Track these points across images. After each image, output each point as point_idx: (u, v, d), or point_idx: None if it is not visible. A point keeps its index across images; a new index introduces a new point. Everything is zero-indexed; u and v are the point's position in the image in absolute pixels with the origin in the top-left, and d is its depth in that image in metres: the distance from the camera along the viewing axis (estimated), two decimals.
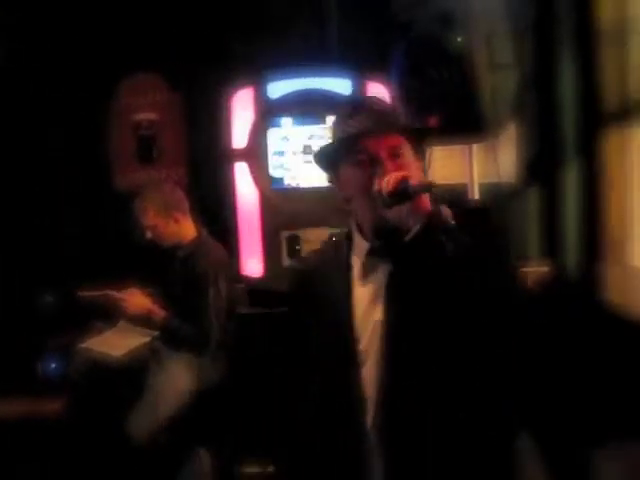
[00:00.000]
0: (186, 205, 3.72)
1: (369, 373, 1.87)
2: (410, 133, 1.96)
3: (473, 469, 1.84)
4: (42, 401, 3.78)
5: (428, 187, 1.79)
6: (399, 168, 1.87)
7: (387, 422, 1.85)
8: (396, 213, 1.81)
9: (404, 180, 1.80)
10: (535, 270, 4.27)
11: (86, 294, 3.71)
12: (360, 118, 1.94)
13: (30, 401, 3.75)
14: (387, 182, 1.82)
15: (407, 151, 1.92)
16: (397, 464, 1.85)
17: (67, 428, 3.67)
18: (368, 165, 1.90)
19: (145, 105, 4.51)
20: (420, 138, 2.00)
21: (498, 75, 3.27)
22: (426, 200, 1.80)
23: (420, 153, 1.98)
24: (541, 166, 4.40)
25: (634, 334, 3.64)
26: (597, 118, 4.21)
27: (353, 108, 2.01)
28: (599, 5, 3.87)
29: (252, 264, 3.99)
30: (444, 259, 1.78)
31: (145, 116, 4.51)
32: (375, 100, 2.12)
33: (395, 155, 1.90)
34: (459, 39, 3.15)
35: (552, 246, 4.46)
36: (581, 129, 4.33)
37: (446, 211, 1.89)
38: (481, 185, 3.70)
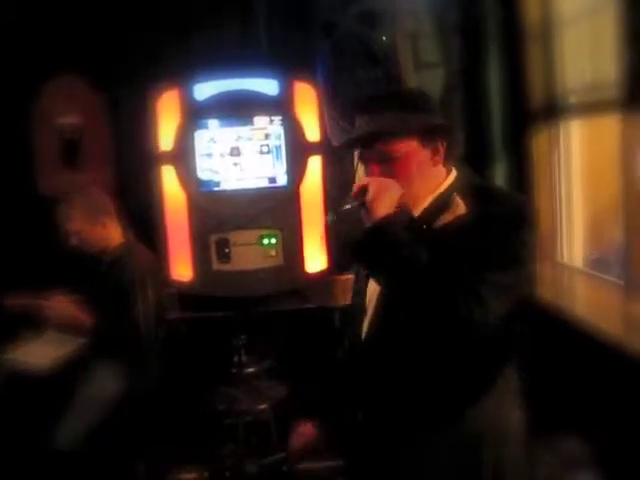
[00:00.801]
0: (112, 209, 3.66)
1: (368, 320, 2.24)
2: (425, 134, 2.10)
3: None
4: None
5: (362, 204, 2.04)
6: (386, 173, 2.08)
7: (370, 357, 2.22)
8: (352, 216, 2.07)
9: (363, 188, 2.05)
10: None
11: (11, 303, 3.62)
12: (363, 120, 2.15)
13: None
14: (354, 187, 2.09)
15: (412, 154, 2.10)
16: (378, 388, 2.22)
17: None
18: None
19: (69, 108, 4.42)
20: (441, 137, 2.12)
21: (424, 74, 3.28)
22: (378, 208, 2.02)
23: (439, 153, 2.12)
24: (469, 164, 4.44)
25: (563, 329, 3.69)
26: (524, 116, 4.26)
27: (363, 106, 2.18)
28: (525, 3, 3.92)
29: (181, 268, 3.93)
30: (398, 257, 1.97)
31: (69, 119, 4.42)
32: (399, 95, 2.24)
33: (392, 159, 2.08)
34: (384, 38, 3.15)
35: None
36: (508, 128, 4.38)
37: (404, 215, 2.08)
38: None
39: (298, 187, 3.89)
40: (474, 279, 1.94)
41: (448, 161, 2.15)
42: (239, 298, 3.90)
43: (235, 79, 3.94)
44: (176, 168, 3.90)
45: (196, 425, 3.95)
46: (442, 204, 2.11)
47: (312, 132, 3.91)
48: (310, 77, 3.85)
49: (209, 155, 3.89)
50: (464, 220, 2.06)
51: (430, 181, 2.14)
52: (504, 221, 2.03)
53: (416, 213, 2.14)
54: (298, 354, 4.27)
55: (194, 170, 3.87)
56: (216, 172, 3.89)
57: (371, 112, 2.15)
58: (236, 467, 3.88)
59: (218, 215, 3.85)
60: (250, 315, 3.99)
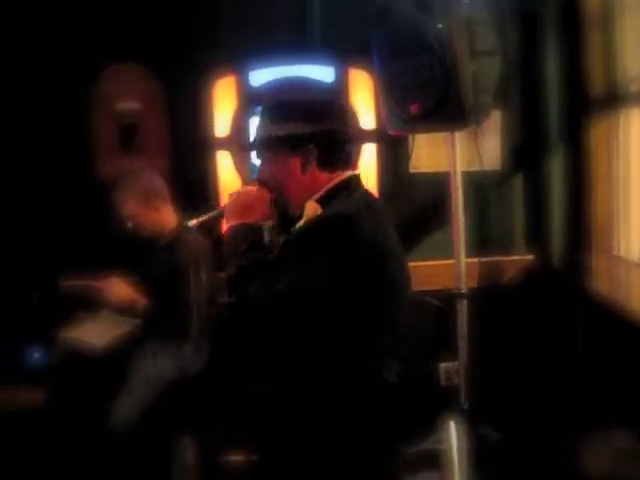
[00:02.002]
0: (167, 194, 3.70)
1: None
2: (293, 143, 2.24)
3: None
4: (25, 390, 3.77)
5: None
6: (265, 178, 2.34)
7: None
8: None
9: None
10: (519, 259, 4.27)
11: (69, 284, 3.69)
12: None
13: (13, 390, 3.73)
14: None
15: (279, 161, 2.27)
16: None
17: (49, 417, 3.65)
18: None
19: (127, 94, 4.47)
20: (314, 145, 2.23)
21: (481, 62, 3.24)
22: (228, 219, 2.30)
23: (310, 161, 2.23)
24: (525, 154, 4.40)
25: (619, 322, 3.65)
26: (583, 104, 4.21)
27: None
28: None
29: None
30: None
31: (127, 105, 4.47)
32: (277, 105, 2.41)
33: (264, 164, 2.35)
34: (440, 25, 3.13)
35: (537, 235, 4.46)
36: (566, 116, 4.33)
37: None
38: (464, 173, 3.69)
39: None
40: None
41: (328, 168, 2.24)
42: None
43: (291, 66, 3.96)
44: (231, 154, 3.93)
45: (243, 408, 3.98)
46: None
47: (367, 119, 3.90)
48: (365, 64, 3.84)
49: None
50: (303, 227, 2.20)
51: (306, 187, 2.24)
52: (311, 236, 2.14)
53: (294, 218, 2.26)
54: None
55: (249, 156, 3.90)
56: None
57: (259, 117, 2.34)
58: None
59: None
60: None
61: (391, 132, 3.64)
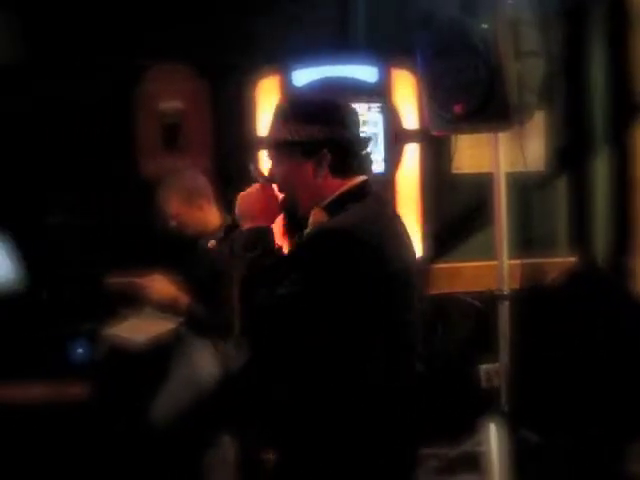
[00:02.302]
0: (210, 193, 3.72)
1: None
2: (305, 146, 2.16)
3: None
4: (68, 385, 3.81)
5: None
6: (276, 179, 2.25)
7: None
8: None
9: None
10: (562, 260, 4.24)
11: (113, 281, 3.72)
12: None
13: (57, 385, 3.78)
14: None
15: (290, 163, 2.19)
16: None
17: (92, 412, 3.69)
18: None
19: (170, 93, 4.51)
20: (327, 150, 2.16)
21: (525, 62, 3.23)
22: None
23: (322, 166, 2.16)
24: (570, 155, 4.36)
25: None
26: (628, 106, 4.17)
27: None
28: None
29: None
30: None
31: (170, 104, 4.51)
32: (292, 105, 2.33)
33: (275, 166, 2.24)
34: (484, 26, 3.12)
35: (580, 236, 4.42)
36: (611, 117, 4.29)
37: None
38: (508, 174, 3.67)
39: (394, 174, 3.89)
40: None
41: (341, 173, 2.17)
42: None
43: (334, 66, 3.96)
44: None
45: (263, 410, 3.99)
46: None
47: (410, 120, 3.90)
48: (408, 64, 3.83)
49: None
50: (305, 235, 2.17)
51: (317, 193, 2.18)
52: (306, 248, 2.10)
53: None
54: None
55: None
56: None
57: (273, 117, 2.27)
58: None
59: None
60: None
61: (434, 132, 3.64)
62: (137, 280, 3.58)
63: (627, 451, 3.50)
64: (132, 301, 3.72)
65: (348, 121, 2.21)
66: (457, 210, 4.26)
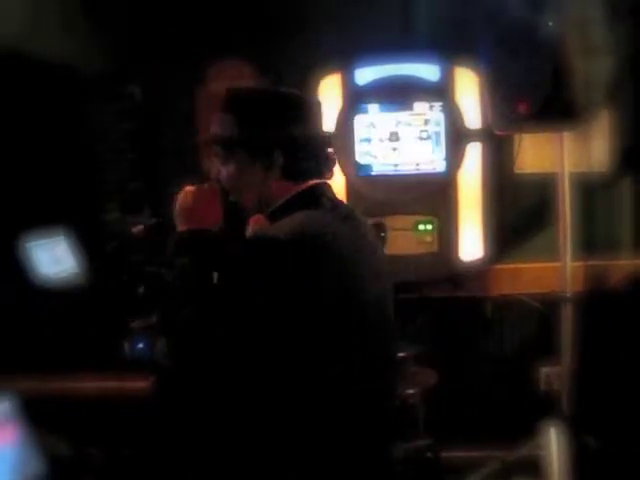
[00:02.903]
0: None
1: None
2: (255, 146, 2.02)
3: None
4: (129, 380, 3.85)
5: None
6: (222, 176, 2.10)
7: None
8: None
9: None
10: (627, 263, 4.16)
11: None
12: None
13: (117, 379, 3.81)
14: None
15: (237, 163, 2.05)
16: None
17: (153, 407, 3.72)
18: None
19: None
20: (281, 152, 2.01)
21: (592, 61, 3.18)
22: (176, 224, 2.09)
23: (273, 168, 2.02)
24: (635, 155, 4.28)
25: None
26: None
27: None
28: None
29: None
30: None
31: None
32: (245, 98, 2.15)
33: (221, 164, 2.09)
34: (551, 23, 3.08)
35: None
36: None
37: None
38: (572, 175, 3.62)
39: (456, 174, 3.86)
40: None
41: (294, 177, 2.01)
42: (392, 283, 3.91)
43: (396, 64, 3.95)
44: (335, 152, 3.93)
45: None
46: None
47: (472, 119, 3.86)
48: (472, 63, 3.80)
49: (368, 140, 3.92)
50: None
51: (266, 197, 2.01)
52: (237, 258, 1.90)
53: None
54: (448, 341, 4.26)
55: (353, 154, 3.91)
56: (374, 157, 3.92)
57: (219, 110, 2.08)
58: None
59: (375, 199, 3.87)
60: (402, 300, 3.99)
61: (497, 132, 3.61)
62: None
63: None
64: None
65: (306, 117, 2.04)
66: (519, 210, 4.22)
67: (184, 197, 2.07)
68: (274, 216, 1.99)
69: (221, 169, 2.06)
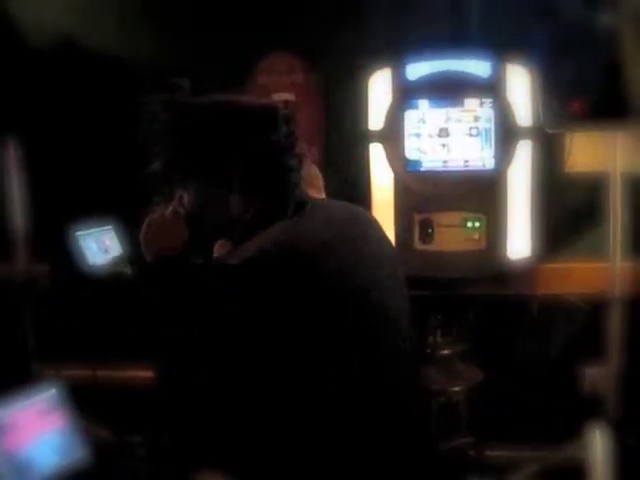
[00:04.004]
0: (320, 183, 3.73)
1: None
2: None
3: None
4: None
5: None
6: None
7: None
8: None
9: None
10: None
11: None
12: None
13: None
14: None
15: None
16: None
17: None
18: None
19: (282, 85, 4.57)
20: None
21: None
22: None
23: None
24: None
25: None
26: None
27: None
28: None
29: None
30: None
31: (282, 96, 4.57)
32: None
33: None
34: (607, 20, 3.04)
35: None
36: None
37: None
38: (624, 174, 3.58)
39: (505, 172, 3.84)
40: None
41: (255, 198, 1.91)
42: (438, 279, 3.91)
43: (447, 60, 3.92)
44: (384, 147, 3.94)
45: None
46: None
47: (523, 116, 3.83)
48: (524, 60, 3.77)
49: (418, 135, 3.90)
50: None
51: (227, 220, 1.92)
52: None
53: None
54: (493, 339, 4.24)
55: (402, 149, 3.90)
56: (424, 152, 3.91)
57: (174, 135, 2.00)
58: None
59: (423, 195, 3.86)
60: (448, 297, 3.99)
61: (549, 130, 3.58)
62: None
63: None
64: None
65: (268, 144, 1.92)
66: (569, 210, 4.18)
67: (147, 228, 2.06)
68: (236, 237, 1.93)
69: (182, 194, 1.99)
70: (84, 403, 2.69)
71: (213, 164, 1.90)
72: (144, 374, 3.83)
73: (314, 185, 3.72)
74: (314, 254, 1.81)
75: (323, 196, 3.73)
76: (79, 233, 3.92)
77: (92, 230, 4.02)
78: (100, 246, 4.05)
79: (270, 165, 1.93)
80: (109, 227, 4.13)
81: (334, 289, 1.80)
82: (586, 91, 3.17)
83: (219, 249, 1.97)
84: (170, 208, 2.02)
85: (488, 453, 3.94)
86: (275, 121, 1.94)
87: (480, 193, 3.84)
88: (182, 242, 1.99)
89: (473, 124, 3.86)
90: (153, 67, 4.40)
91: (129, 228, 4.13)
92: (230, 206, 1.90)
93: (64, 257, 3.82)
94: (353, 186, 4.05)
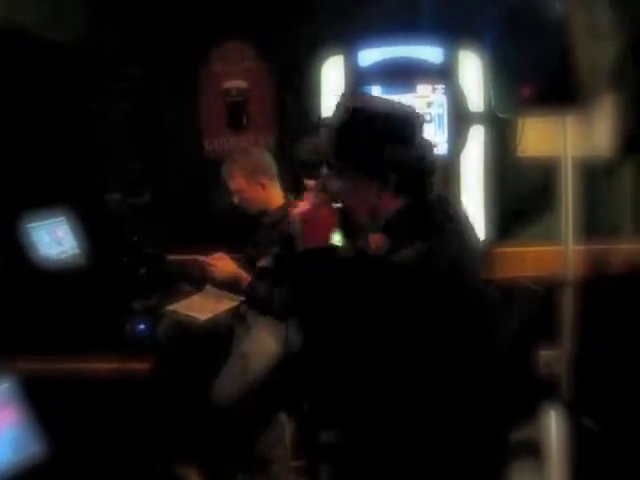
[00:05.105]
0: (274, 171, 3.72)
1: None
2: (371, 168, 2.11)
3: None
4: (129, 361, 3.86)
5: None
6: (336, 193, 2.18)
7: None
8: None
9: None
10: (628, 247, 4.16)
11: (175, 258, 3.73)
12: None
13: (118, 360, 3.82)
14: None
15: (354, 183, 2.13)
16: None
17: (154, 388, 3.73)
18: None
19: (235, 73, 4.55)
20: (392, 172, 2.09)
21: (597, 44, 3.16)
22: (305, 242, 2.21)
23: (388, 186, 2.10)
24: (638, 140, 4.27)
25: None
26: None
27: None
28: None
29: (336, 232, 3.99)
30: None
31: (235, 83, 4.55)
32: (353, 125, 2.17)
33: (336, 183, 2.16)
34: (557, 6, 3.06)
35: None
36: None
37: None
38: (575, 159, 3.61)
39: (458, 157, 3.86)
40: None
41: (403, 194, 2.10)
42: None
43: (399, 46, 3.94)
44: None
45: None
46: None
47: (475, 102, 3.85)
48: (475, 45, 3.79)
49: None
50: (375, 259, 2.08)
51: (375, 211, 2.11)
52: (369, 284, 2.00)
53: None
54: None
55: None
56: None
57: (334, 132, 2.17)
58: None
59: None
60: None
61: (500, 115, 3.59)
62: (200, 258, 3.61)
63: None
64: (194, 278, 3.75)
65: (415, 137, 2.12)
66: (521, 194, 4.21)
67: (310, 217, 2.21)
68: (390, 231, 2.09)
69: (334, 184, 2.15)
70: (38, 397, 2.65)
71: (374, 157, 2.06)
72: (99, 366, 3.82)
73: (267, 173, 3.72)
74: (459, 268, 2.02)
75: (276, 184, 3.73)
76: (30, 225, 3.87)
77: (44, 222, 3.97)
78: (52, 238, 4.00)
79: (421, 166, 2.12)
80: (62, 218, 4.08)
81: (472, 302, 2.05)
82: (536, 76, 3.18)
83: (377, 243, 2.12)
84: (318, 198, 2.22)
85: None
86: (421, 126, 2.17)
87: (433, 178, 3.85)
88: (332, 232, 2.19)
89: (426, 110, 3.87)
90: (104, 55, 4.36)
91: (82, 219, 4.09)
92: (382, 199, 2.09)
93: (16, 249, 3.77)
94: (307, 174, 4.04)
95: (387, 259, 2.01)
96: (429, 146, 2.19)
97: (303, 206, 2.25)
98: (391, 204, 2.10)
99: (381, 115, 2.14)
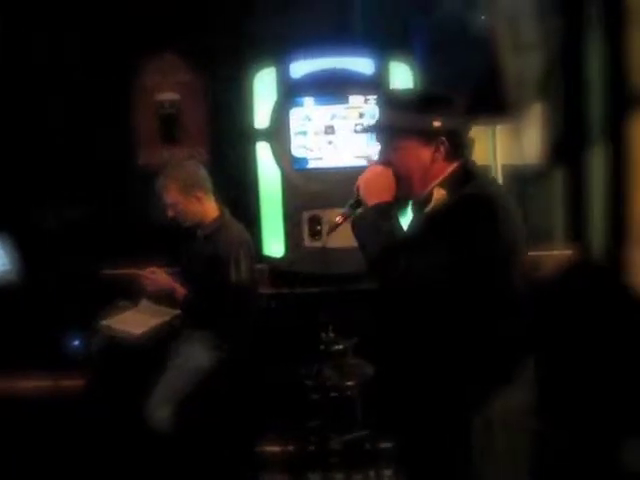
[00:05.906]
0: (208, 184, 3.71)
1: None
2: (425, 134, 2.32)
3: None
4: (65, 377, 3.81)
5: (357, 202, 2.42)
6: (391, 160, 2.36)
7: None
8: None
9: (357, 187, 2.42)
10: (559, 253, 4.25)
11: (109, 272, 3.69)
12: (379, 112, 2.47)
13: (53, 377, 3.78)
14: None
15: (410, 149, 2.33)
16: None
17: (88, 404, 3.69)
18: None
19: (167, 85, 4.53)
20: (444, 137, 2.32)
21: (523, 55, 3.24)
22: (368, 200, 2.37)
23: (440, 150, 2.32)
24: (566, 148, 4.36)
25: None
26: (625, 100, 4.17)
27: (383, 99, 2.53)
28: None
29: (274, 244, 3.99)
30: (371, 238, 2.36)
31: (167, 96, 4.53)
32: (411, 96, 2.53)
33: (393, 150, 2.37)
34: (483, 18, 3.12)
35: (577, 229, 4.43)
36: (608, 111, 4.29)
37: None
38: (504, 167, 3.67)
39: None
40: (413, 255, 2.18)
41: (451, 156, 2.32)
42: (329, 275, 3.93)
43: (331, 58, 3.96)
44: (271, 145, 3.95)
45: (283, 399, 3.99)
46: (430, 195, 2.33)
47: None
48: (406, 57, 3.83)
49: (304, 133, 3.93)
50: (437, 209, 2.29)
51: (430, 174, 2.33)
52: (460, 214, 2.20)
53: (416, 201, 2.39)
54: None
55: (289, 147, 3.92)
56: (310, 150, 3.93)
57: (386, 106, 2.45)
58: (320, 442, 3.91)
59: (311, 192, 3.89)
60: (339, 293, 4.01)
61: None
62: (135, 272, 3.58)
63: (626, 445, 3.51)
64: (129, 292, 3.72)
65: (458, 110, 2.35)
66: None
67: (372, 178, 2.37)
68: (449, 187, 2.29)
69: (390, 155, 2.35)
70: None
71: (431, 129, 2.29)
72: (31, 384, 3.77)
73: (202, 186, 3.70)
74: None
75: (210, 197, 3.72)
76: None
77: None
78: None
79: (466, 135, 2.38)
80: None
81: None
82: (465, 87, 3.23)
83: (438, 194, 2.30)
84: (381, 163, 2.40)
85: (382, 445, 3.99)
86: (459, 104, 2.38)
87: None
88: (394, 188, 2.36)
89: (358, 120, 3.90)
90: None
91: (11, 235, 4.03)
92: (434, 164, 2.31)
93: None
94: (240, 185, 4.05)
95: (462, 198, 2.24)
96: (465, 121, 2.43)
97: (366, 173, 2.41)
98: (442, 169, 2.32)
99: (429, 92, 2.58)
